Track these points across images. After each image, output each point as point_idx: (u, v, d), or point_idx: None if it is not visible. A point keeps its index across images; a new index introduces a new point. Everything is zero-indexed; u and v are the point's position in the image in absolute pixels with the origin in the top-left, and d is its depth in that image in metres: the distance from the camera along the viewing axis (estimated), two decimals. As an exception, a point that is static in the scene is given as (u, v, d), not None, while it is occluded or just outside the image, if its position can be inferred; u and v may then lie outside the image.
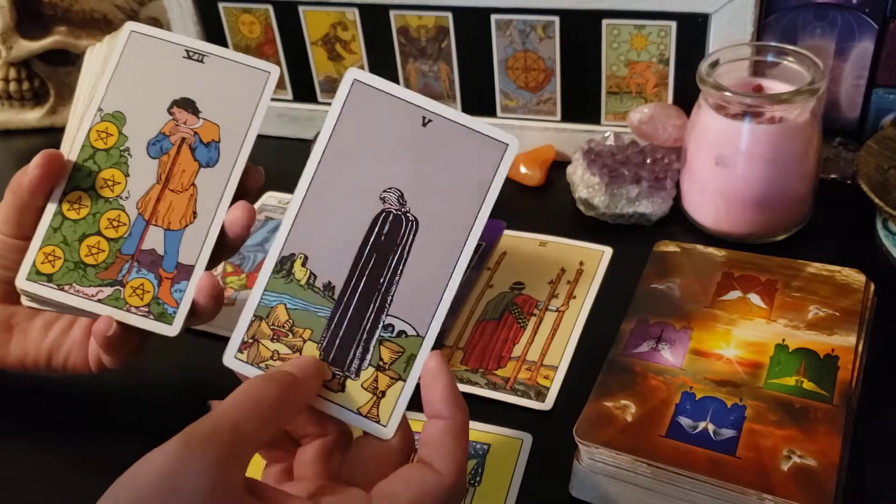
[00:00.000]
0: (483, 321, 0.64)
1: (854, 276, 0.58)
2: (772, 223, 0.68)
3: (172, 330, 0.48)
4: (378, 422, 0.43)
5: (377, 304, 0.44)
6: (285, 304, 0.44)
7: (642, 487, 0.48)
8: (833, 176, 0.73)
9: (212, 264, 0.49)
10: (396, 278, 0.43)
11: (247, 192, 0.50)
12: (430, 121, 0.44)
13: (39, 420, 0.59)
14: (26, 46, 0.92)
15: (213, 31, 0.85)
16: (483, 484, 0.52)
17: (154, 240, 0.49)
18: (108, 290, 0.48)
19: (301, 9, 0.81)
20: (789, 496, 0.44)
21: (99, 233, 0.49)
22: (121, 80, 0.50)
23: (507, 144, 0.44)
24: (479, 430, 0.55)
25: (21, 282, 0.49)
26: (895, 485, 0.50)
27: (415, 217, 0.44)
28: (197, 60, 0.50)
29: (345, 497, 0.39)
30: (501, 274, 0.68)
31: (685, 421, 0.49)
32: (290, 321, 0.44)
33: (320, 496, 0.39)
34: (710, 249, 0.62)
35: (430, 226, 0.44)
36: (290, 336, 0.44)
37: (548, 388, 0.58)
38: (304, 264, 0.44)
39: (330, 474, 0.43)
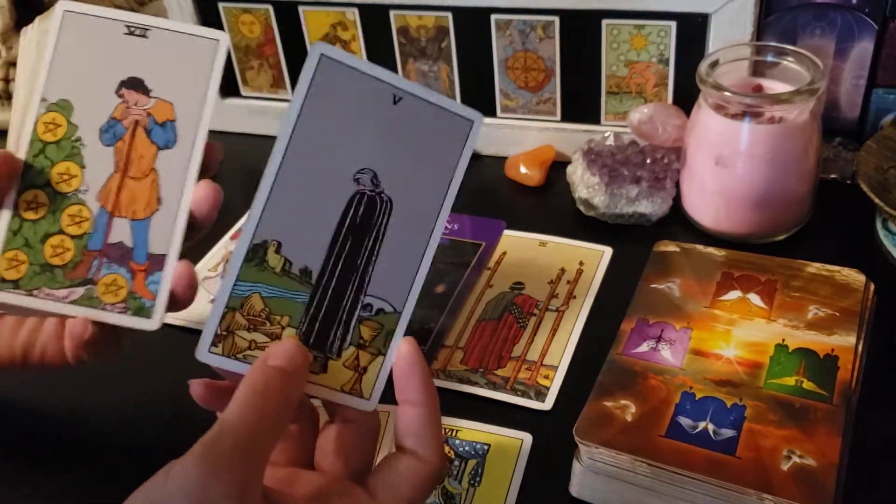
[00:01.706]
0: (483, 321, 0.64)
1: (854, 276, 0.58)
2: (772, 223, 0.68)
3: (152, 324, 0.47)
4: (361, 396, 0.43)
5: (356, 286, 0.43)
6: (260, 293, 0.43)
7: (642, 487, 0.48)
8: (833, 176, 0.73)
9: (182, 249, 0.48)
10: (373, 258, 0.43)
11: (208, 169, 0.48)
12: (400, 99, 0.44)
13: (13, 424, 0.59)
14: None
15: (213, 31, 0.85)
16: (483, 484, 0.52)
17: (121, 232, 0.46)
18: (80, 291, 0.46)
19: (301, 9, 0.81)
20: (789, 496, 0.44)
21: (61, 231, 0.46)
22: (61, 64, 0.46)
23: (473, 121, 0.45)
24: (479, 430, 0.55)
25: None
26: (895, 485, 0.50)
27: (388, 197, 0.43)
28: (140, 36, 0.46)
29: (351, 499, 0.40)
30: (501, 274, 0.68)
31: (685, 421, 0.49)
32: (267, 309, 0.43)
33: (328, 499, 0.40)
34: (710, 249, 0.62)
35: (403, 204, 0.44)
36: (268, 324, 0.43)
37: (548, 388, 0.58)
38: (277, 251, 0.43)
39: (300, 460, 0.44)
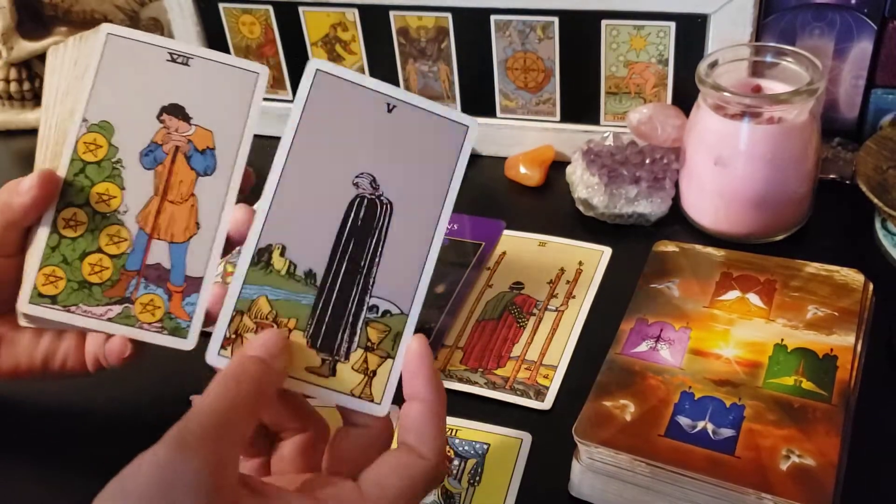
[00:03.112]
0: (482, 321, 0.64)
1: (853, 276, 0.58)
2: (771, 223, 0.68)
3: (188, 344, 0.47)
4: (372, 400, 0.44)
5: (360, 287, 0.44)
6: (266, 296, 0.44)
7: (641, 487, 0.48)
8: (832, 176, 0.73)
9: None
10: (377, 260, 0.45)
11: (242, 191, 0.49)
12: (394, 107, 0.45)
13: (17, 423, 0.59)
14: (27, 47, 0.92)
15: (213, 31, 0.85)
16: (483, 483, 0.52)
17: (159, 254, 0.47)
18: (117, 309, 0.47)
19: (301, 9, 0.81)
20: (788, 495, 0.44)
21: (100, 250, 0.47)
22: (103, 87, 0.48)
23: (468, 126, 0.46)
24: (479, 430, 0.56)
25: (24, 305, 0.47)
26: (894, 484, 0.50)
27: (388, 200, 0.45)
28: (182, 63, 0.48)
29: (337, 490, 0.40)
30: (501, 274, 0.69)
31: (684, 420, 0.49)
32: (274, 312, 0.44)
33: (312, 490, 0.40)
34: (709, 249, 0.62)
35: (403, 207, 0.45)
36: (275, 327, 0.44)
37: (547, 388, 0.58)
38: (282, 254, 0.44)
39: (310, 468, 0.44)
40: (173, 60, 0.48)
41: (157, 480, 0.34)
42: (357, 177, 0.45)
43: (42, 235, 0.47)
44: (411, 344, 0.43)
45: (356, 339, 0.44)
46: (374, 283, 0.44)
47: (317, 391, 0.44)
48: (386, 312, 0.44)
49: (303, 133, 0.45)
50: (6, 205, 0.47)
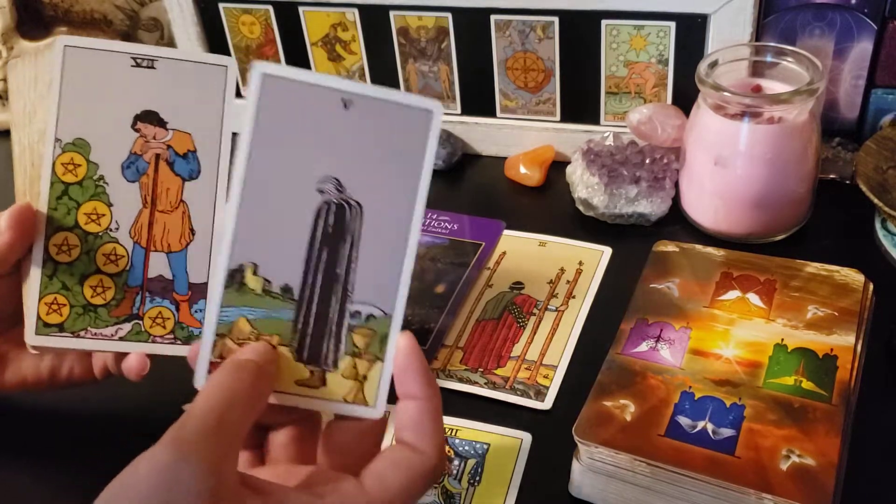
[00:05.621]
0: (482, 321, 0.64)
1: (853, 276, 0.58)
2: (771, 223, 0.68)
3: None
4: (365, 405, 0.43)
5: (340, 295, 0.43)
6: (245, 317, 0.42)
7: (641, 487, 0.48)
8: (832, 176, 0.73)
9: None
10: (353, 265, 0.43)
11: None
12: (350, 102, 0.43)
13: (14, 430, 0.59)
14: (27, 47, 0.92)
15: (213, 31, 0.85)
16: (483, 483, 0.52)
17: (159, 266, 0.47)
18: (126, 327, 0.47)
19: (301, 9, 0.81)
20: (788, 495, 0.44)
21: (99, 270, 0.46)
22: (70, 103, 0.46)
23: (432, 111, 0.42)
24: (479, 430, 0.56)
25: (31, 338, 0.46)
26: (894, 484, 0.50)
27: (357, 201, 0.43)
28: (148, 67, 0.46)
29: (337, 485, 0.39)
30: (501, 274, 0.69)
31: (684, 420, 0.49)
32: (255, 331, 0.43)
33: (313, 486, 0.40)
34: (709, 249, 0.62)
35: (374, 206, 0.43)
36: None
37: (547, 388, 0.58)
38: (255, 273, 0.42)
39: (303, 458, 0.44)
40: (138, 65, 0.47)
41: (157, 483, 0.33)
42: (321, 182, 0.43)
43: (35, 266, 0.46)
44: (399, 342, 0.42)
45: (342, 347, 0.43)
46: (353, 289, 0.43)
47: (310, 402, 0.43)
48: (369, 317, 0.43)
49: (258, 145, 0.42)
50: None
